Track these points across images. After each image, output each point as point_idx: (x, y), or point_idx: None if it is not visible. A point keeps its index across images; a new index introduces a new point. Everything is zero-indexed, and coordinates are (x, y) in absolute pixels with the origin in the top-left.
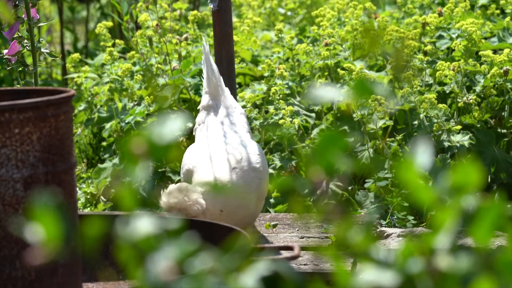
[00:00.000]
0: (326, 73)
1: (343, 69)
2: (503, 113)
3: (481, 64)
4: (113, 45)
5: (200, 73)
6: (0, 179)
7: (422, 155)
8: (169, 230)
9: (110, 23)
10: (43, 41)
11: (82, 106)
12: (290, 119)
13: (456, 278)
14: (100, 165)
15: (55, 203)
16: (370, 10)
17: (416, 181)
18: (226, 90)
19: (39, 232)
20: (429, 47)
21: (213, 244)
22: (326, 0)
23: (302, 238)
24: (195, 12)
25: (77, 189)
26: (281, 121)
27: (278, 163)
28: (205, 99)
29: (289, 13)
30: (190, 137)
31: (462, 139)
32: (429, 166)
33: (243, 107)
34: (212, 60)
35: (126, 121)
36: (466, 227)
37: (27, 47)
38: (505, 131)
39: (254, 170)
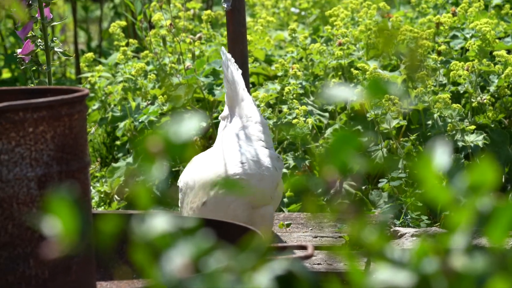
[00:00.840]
0: (339, 73)
1: (356, 68)
2: None
3: (495, 64)
4: (127, 45)
5: (213, 72)
6: (14, 178)
7: (440, 156)
8: (184, 228)
9: (123, 23)
10: (56, 40)
11: (96, 105)
12: (304, 119)
13: (471, 279)
14: (113, 164)
15: (71, 197)
16: (384, 9)
17: (432, 180)
18: (246, 99)
19: (56, 225)
20: (443, 47)
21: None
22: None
23: (316, 237)
24: (208, 11)
25: (91, 188)
26: (294, 121)
27: (291, 162)
28: (224, 109)
29: (302, 12)
30: (204, 136)
31: (476, 139)
32: (447, 167)
33: (257, 106)
34: (229, 68)
35: (140, 120)
36: (481, 227)
37: (40, 46)
38: None
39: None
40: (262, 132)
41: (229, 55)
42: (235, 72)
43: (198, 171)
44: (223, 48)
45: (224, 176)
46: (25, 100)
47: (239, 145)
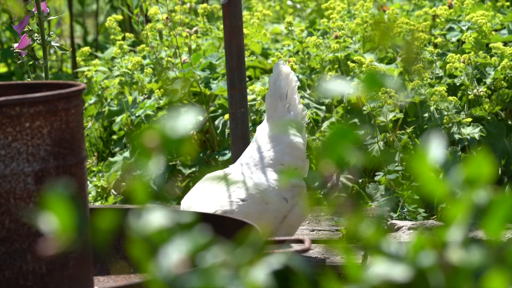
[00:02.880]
0: (336, 66)
1: (353, 61)
2: None
3: (491, 56)
4: (123, 39)
5: (210, 66)
6: (11, 173)
7: (435, 149)
8: (181, 223)
9: (120, 17)
10: (53, 35)
11: (92, 99)
12: None
13: (468, 272)
14: (110, 159)
15: (68, 194)
16: (380, 2)
17: (428, 173)
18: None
19: (53, 221)
20: (439, 39)
21: (225, 237)
22: None
23: (313, 231)
24: (204, 5)
25: (88, 182)
26: None
27: None
28: (265, 118)
29: (298, 6)
30: (201, 130)
31: (472, 131)
32: (442, 160)
33: (253, 100)
34: (289, 85)
35: (137, 115)
36: (478, 220)
37: (37, 40)
38: None
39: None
40: (287, 154)
41: (286, 69)
42: (291, 86)
43: (198, 203)
44: (281, 60)
45: (220, 213)
46: (21, 94)
47: (250, 172)
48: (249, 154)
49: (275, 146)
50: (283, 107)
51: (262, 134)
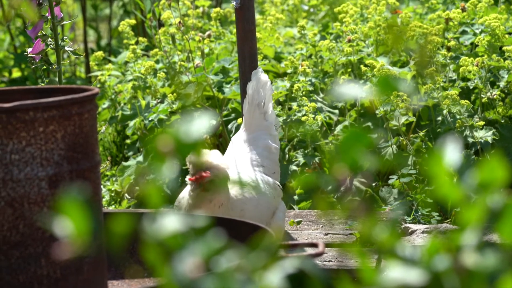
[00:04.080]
0: (349, 70)
1: (366, 65)
2: None
3: (504, 59)
4: (136, 43)
5: (223, 70)
6: (25, 177)
7: (451, 153)
8: (195, 227)
9: (133, 21)
10: (66, 39)
11: (105, 104)
12: (313, 116)
13: (483, 276)
14: (124, 163)
15: (82, 198)
16: (393, 6)
17: (443, 177)
18: (260, 123)
19: (67, 226)
20: (452, 42)
21: (239, 241)
22: None
23: (327, 235)
24: (217, 9)
25: (102, 186)
26: (303, 118)
27: (301, 159)
28: (242, 126)
29: (311, 9)
30: (214, 134)
31: (485, 134)
32: (458, 164)
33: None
34: (260, 91)
35: (150, 119)
36: (492, 223)
37: (51, 45)
38: None
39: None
40: (266, 158)
41: (264, 78)
42: (267, 94)
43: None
44: (259, 68)
45: None
46: (35, 99)
47: (238, 169)
48: (232, 155)
49: (253, 150)
50: (260, 115)
51: (240, 139)
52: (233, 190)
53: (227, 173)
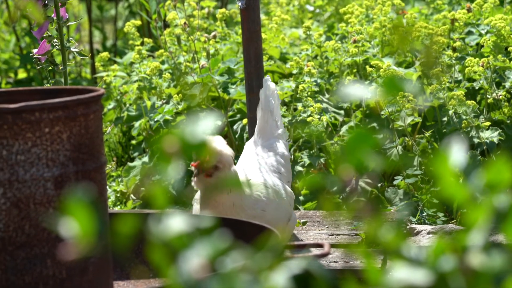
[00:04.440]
0: (354, 70)
1: (371, 66)
2: None
3: (510, 60)
4: (142, 44)
5: (228, 71)
6: (31, 178)
7: (457, 153)
8: (201, 228)
9: (138, 22)
10: (72, 40)
11: (111, 104)
12: (318, 116)
13: (489, 277)
14: (129, 164)
15: (87, 199)
16: (398, 6)
17: (449, 178)
18: (275, 131)
19: (72, 227)
20: (458, 43)
21: (244, 242)
22: None
23: (332, 235)
24: (223, 10)
25: (107, 187)
26: (309, 119)
27: (307, 160)
28: (255, 133)
29: (317, 10)
30: (220, 135)
31: (491, 135)
32: (463, 164)
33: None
34: (270, 99)
35: (155, 120)
36: (498, 224)
37: (56, 46)
38: None
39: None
40: (282, 166)
41: (273, 86)
42: (275, 103)
43: None
44: (268, 77)
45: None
46: (41, 100)
47: (261, 172)
48: (250, 158)
49: (271, 156)
50: (273, 121)
51: (256, 144)
52: (254, 190)
53: (231, 159)
